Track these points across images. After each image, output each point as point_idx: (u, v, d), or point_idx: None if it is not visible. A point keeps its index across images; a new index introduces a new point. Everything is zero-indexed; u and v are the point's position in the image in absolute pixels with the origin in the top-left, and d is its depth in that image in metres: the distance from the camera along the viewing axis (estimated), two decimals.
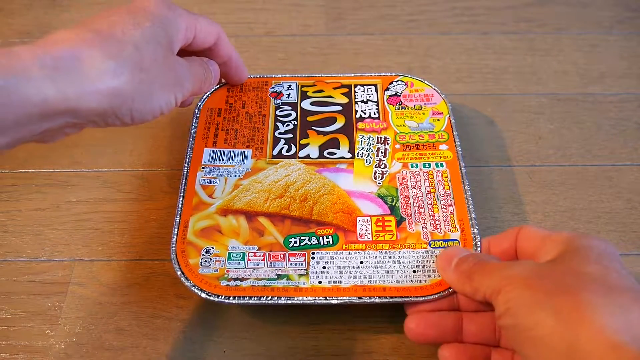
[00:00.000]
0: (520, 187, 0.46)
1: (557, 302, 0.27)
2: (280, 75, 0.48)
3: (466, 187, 0.40)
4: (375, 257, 0.37)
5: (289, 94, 0.46)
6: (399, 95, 0.46)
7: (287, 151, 0.43)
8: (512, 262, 0.32)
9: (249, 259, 0.37)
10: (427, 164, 0.42)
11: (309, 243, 0.38)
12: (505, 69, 0.55)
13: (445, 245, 0.38)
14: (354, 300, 0.35)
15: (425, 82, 0.47)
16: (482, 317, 0.34)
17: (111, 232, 0.44)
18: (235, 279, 0.36)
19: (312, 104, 0.46)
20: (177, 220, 0.39)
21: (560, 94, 0.53)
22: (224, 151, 0.43)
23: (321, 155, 0.43)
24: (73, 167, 0.48)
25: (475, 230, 0.38)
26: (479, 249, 0.37)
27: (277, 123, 0.45)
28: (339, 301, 0.35)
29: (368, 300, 0.35)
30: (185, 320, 0.39)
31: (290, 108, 0.46)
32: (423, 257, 0.37)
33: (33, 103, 0.27)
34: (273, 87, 0.47)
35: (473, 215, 0.39)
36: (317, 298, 0.35)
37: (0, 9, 0.61)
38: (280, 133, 0.44)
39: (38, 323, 0.39)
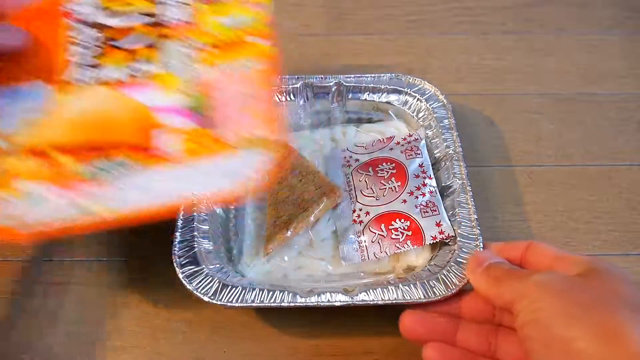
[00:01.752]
0: (520, 187, 0.46)
1: (596, 317, 0.26)
2: None
3: (467, 187, 0.40)
4: (187, 171, 0.34)
5: (80, 12, 0.39)
6: None
7: (88, 76, 0.37)
8: (541, 271, 0.31)
9: (48, 199, 0.33)
10: (240, 62, 0.38)
11: (110, 171, 0.34)
12: (505, 69, 0.55)
13: (254, 147, 0.35)
14: (357, 303, 0.35)
15: None
16: (479, 326, 0.34)
17: (111, 232, 0.43)
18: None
19: (112, 17, 0.39)
20: None
21: (560, 94, 0.53)
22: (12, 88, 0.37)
23: (125, 74, 0.38)
24: None
25: (477, 231, 0.38)
26: (481, 249, 0.37)
27: (73, 46, 0.38)
28: (342, 304, 0.35)
29: (371, 303, 0.35)
30: (185, 320, 0.39)
31: (87, 27, 0.39)
32: (236, 163, 0.35)
33: None
34: (66, 5, 0.39)
35: (475, 216, 0.39)
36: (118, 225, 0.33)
37: None
38: (77, 55, 0.38)
39: (38, 323, 0.39)
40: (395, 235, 0.39)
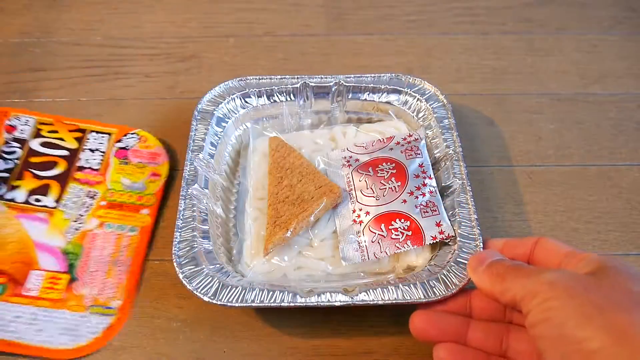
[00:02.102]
0: (520, 187, 0.46)
1: (610, 318, 0.26)
2: (22, 108, 0.47)
3: (467, 187, 0.40)
4: (33, 314, 0.38)
5: (22, 130, 0.46)
6: (128, 149, 0.46)
7: None
8: (550, 268, 0.31)
9: None
10: (123, 227, 0.42)
11: None
12: (505, 69, 0.55)
13: (103, 313, 0.38)
14: (357, 303, 0.35)
15: (159, 139, 0.47)
16: (490, 325, 0.34)
17: None
18: None
19: (42, 144, 0.45)
20: None
21: (560, 94, 0.53)
22: None
23: (27, 201, 0.42)
24: None
25: (477, 231, 0.38)
26: (481, 249, 0.37)
27: None
28: (341, 304, 0.35)
29: (371, 303, 0.35)
30: (185, 320, 0.39)
31: (18, 145, 0.45)
32: (77, 321, 0.38)
33: None
34: (10, 120, 0.46)
35: (475, 216, 0.39)
36: None
37: (0, 9, 0.61)
38: None
39: None
40: (395, 235, 0.39)
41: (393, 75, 0.48)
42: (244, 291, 0.36)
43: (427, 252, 0.39)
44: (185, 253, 0.37)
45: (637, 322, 0.26)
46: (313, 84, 0.47)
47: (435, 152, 0.44)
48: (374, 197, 0.41)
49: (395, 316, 0.38)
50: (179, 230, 0.38)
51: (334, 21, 0.59)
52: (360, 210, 0.41)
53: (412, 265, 0.39)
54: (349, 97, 0.48)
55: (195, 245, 0.38)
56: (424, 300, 0.35)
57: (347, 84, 0.47)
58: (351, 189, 0.42)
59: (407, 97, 0.47)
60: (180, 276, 0.36)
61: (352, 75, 0.47)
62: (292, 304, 0.35)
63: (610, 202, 0.45)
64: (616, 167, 0.47)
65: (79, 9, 0.61)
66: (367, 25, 0.59)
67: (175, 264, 0.37)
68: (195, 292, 0.35)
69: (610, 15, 0.59)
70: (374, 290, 0.36)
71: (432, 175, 0.42)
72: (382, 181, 0.42)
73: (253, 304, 0.35)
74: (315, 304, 0.35)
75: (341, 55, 0.56)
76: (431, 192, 0.41)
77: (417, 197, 0.41)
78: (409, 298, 0.35)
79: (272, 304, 0.35)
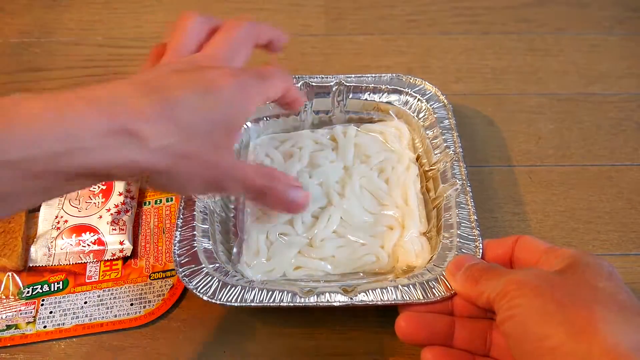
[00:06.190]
0: (520, 187, 0.46)
1: (570, 315, 0.27)
2: None
3: (467, 187, 0.40)
4: (99, 296, 0.40)
5: None
6: None
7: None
8: (521, 269, 0.32)
9: None
10: (158, 200, 0.45)
11: (41, 291, 0.40)
12: (505, 69, 0.55)
13: (164, 276, 0.40)
14: (357, 303, 0.35)
15: None
16: (474, 323, 0.34)
17: None
18: None
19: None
20: None
21: (560, 94, 0.53)
22: None
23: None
24: None
25: (477, 232, 0.38)
26: (481, 250, 0.37)
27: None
28: (341, 304, 0.35)
29: (371, 303, 0.35)
30: (185, 320, 0.39)
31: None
32: (142, 289, 0.40)
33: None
34: None
35: (475, 217, 0.39)
36: (43, 342, 0.38)
37: (0, 8, 0.61)
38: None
39: None
40: None
41: (394, 75, 0.48)
42: (243, 291, 0.36)
43: (427, 252, 0.39)
44: (185, 252, 0.37)
45: (596, 318, 0.26)
46: (314, 84, 0.47)
47: (435, 152, 0.44)
48: None
49: (394, 316, 0.38)
50: (179, 230, 0.38)
51: (334, 21, 0.59)
52: None
53: (412, 265, 0.39)
54: (350, 97, 0.48)
55: (195, 245, 0.38)
56: (423, 301, 0.35)
57: (347, 84, 0.47)
58: None
59: (407, 98, 0.47)
60: (180, 275, 0.36)
61: (353, 75, 0.47)
62: (291, 304, 0.35)
63: (610, 202, 0.45)
64: (616, 167, 0.47)
65: (79, 9, 0.61)
66: (367, 25, 0.59)
67: (174, 263, 0.37)
68: (194, 291, 0.35)
69: (610, 15, 0.59)
70: (374, 291, 0.36)
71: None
72: None
73: (252, 304, 0.35)
74: (315, 304, 0.35)
75: (341, 55, 0.56)
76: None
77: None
78: (408, 299, 0.35)
79: (272, 304, 0.35)
